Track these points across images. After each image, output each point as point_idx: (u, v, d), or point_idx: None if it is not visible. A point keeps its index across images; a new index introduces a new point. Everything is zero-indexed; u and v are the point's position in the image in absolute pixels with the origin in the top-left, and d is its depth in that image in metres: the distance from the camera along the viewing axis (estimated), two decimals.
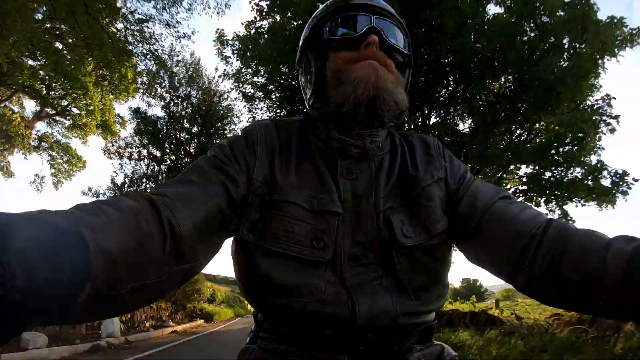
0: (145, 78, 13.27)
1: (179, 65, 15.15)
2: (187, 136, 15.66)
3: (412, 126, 7.17)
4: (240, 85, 9.11)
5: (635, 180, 6.55)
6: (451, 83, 7.66)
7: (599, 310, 0.49)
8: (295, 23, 7.70)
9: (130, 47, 9.07)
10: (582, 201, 7.06)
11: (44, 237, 0.31)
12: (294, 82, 7.81)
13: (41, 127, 13.64)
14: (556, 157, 6.74)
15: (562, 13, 6.34)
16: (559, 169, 7.04)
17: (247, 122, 9.18)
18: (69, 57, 8.61)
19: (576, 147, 6.55)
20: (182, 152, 15.21)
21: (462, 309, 8.01)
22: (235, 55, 8.69)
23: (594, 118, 6.42)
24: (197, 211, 0.51)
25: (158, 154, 15.02)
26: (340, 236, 0.58)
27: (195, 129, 15.82)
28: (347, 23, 0.64)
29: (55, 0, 6.65)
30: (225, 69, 11.42)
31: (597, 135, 6.63)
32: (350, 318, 0.54)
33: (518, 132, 7.70)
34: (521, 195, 7.65)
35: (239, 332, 11.21)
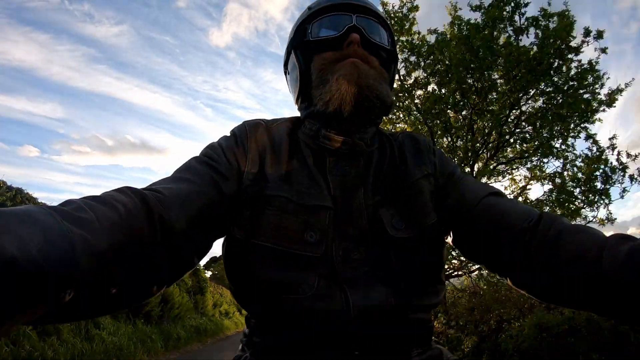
0: None
1: None
2: None
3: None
4: None
5: None
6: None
7: (595, 307, 0.47)
8: None
9: None
10: None
11: (30, 235, 0.30)
12: None
13: None
14: None
15: None
16: None
17: None
18: None
19: None
20: None
21: None
22: None
23: None
24: (190, 209, 0.51)
25: None
26: (332, 231, 0.57)
27: None
28: (329, 24, 0.66)
29: None
30: None
31: None
32: (344, 312, 0.53)
33: None
34: None
35: None
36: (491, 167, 6.57)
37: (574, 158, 6.33)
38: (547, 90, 6.05)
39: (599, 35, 5.73)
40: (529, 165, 6.80)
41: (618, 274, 0.42)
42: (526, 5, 5.75)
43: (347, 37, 0.62)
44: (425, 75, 6.46)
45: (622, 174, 5.96)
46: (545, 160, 6.53)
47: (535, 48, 5.76)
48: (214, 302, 12.83)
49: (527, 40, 5.89)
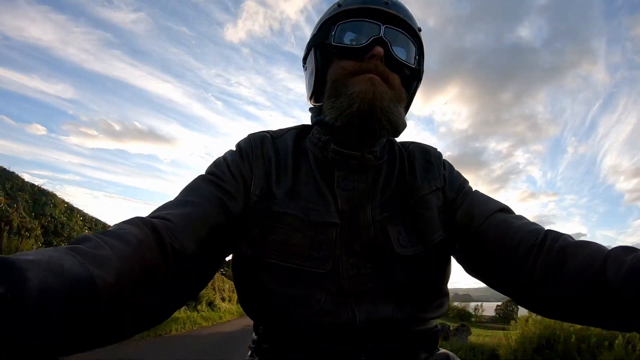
0: None
1: None
2: None
3: None
4: None
5: None
6: None
7: (599, 321, 0.48)
8: None
9: None
10: None
11: (56, 282, 0.32)
12: None
13: None
14: None
15: None
16: None
17: None
18: None
19: None
20: None
21: None
22: None
23: None
24: (199, 233, 0.52)
25: None
26: (339, 247, 0.58)
27: None
28: (355, 30, 0.62)
29: None
30: None
31: None
32: (350, 327, 0.54)
33: None
34: None
35: None
36: None
37: None
38: None
39: None
40: None
41: (622, 283, 0.43)
42: None
43: (371, 49, 0.59)
44: None
45: None
46: None
47: None
48: None
49: None
